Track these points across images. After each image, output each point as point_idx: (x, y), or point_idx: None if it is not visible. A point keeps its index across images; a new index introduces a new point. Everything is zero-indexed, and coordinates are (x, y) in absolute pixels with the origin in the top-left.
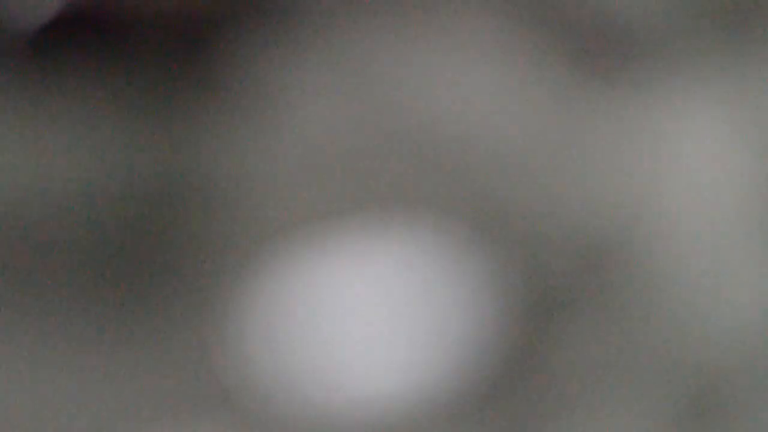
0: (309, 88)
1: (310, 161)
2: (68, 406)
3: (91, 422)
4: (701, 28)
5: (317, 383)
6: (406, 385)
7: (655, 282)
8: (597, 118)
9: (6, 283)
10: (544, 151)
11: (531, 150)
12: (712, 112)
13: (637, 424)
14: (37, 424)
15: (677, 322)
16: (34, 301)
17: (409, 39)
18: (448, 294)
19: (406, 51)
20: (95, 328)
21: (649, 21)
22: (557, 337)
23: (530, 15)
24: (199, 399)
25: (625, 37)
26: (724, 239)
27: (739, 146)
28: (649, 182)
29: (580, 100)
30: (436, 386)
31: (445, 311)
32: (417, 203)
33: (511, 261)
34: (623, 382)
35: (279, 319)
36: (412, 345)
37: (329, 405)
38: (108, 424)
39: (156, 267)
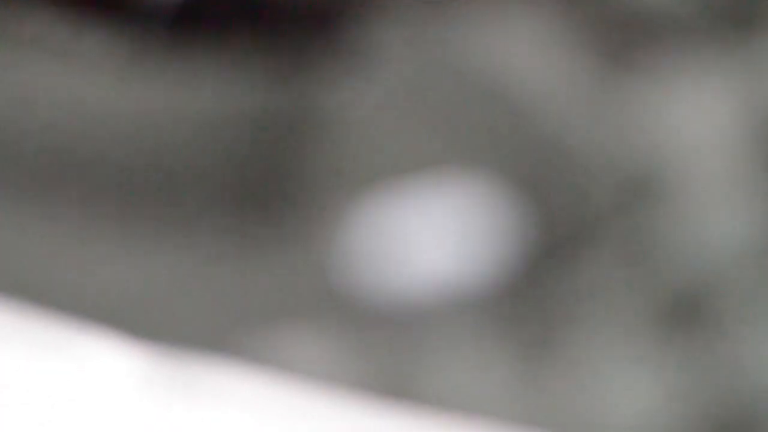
0: (406, 53)
1: (399, 113)
2: (198, 307)
3: (216, 321)
4: (711, 17)
5: (400, 282)
6: (461, 286)
7: (666, 211)
8: (623, 89)
9: (155, 198)
10: (584, 112)
11: (574, 110)
12: (715, 83)
13: (626, 322)
14: (166, 323)
15: (679, 243)
16: (178, 214)
17: (482, 23)
18: (496, 218)
19: (478, 32)
20: (226, 240)
21: (665, 12)
22: (581, 255)
23: (569, 9)
24: (310, 302)
25: (645, 25)
26: (723, 177)
27: (735, 110)
28: (665, 135)
29: (610, 75)
30: (483, 287)
31: (492, 233)
32: (483, 148)
33: (555, 194)
34: (625, 289)
35: (376, 235)
36: (465, 256)
37: (408, 296)
38: (231, 323)
39: (278, 189)
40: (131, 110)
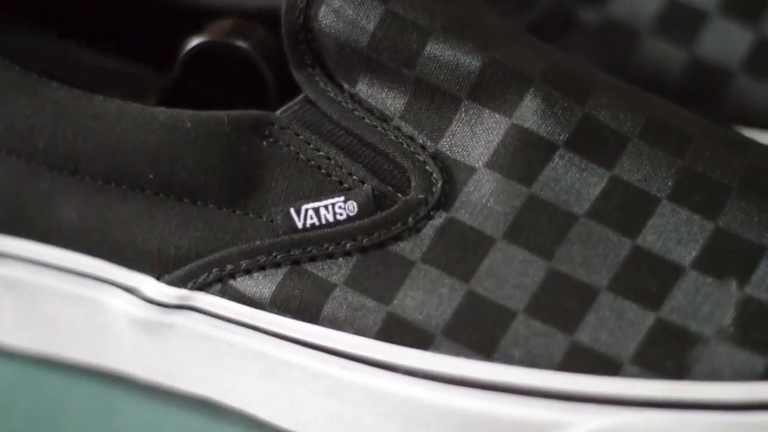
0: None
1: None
2: (188, 256)
3: (203, 269)
4: None
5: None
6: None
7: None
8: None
9: (166, 180)
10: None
11: None
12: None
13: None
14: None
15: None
16: (181, 190)
17: None
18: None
19: None
20: (214, 210)
21: None
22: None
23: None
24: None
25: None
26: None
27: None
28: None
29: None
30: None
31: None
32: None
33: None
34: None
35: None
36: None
37: None
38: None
39: (245, 173)
40: (151, 121)
